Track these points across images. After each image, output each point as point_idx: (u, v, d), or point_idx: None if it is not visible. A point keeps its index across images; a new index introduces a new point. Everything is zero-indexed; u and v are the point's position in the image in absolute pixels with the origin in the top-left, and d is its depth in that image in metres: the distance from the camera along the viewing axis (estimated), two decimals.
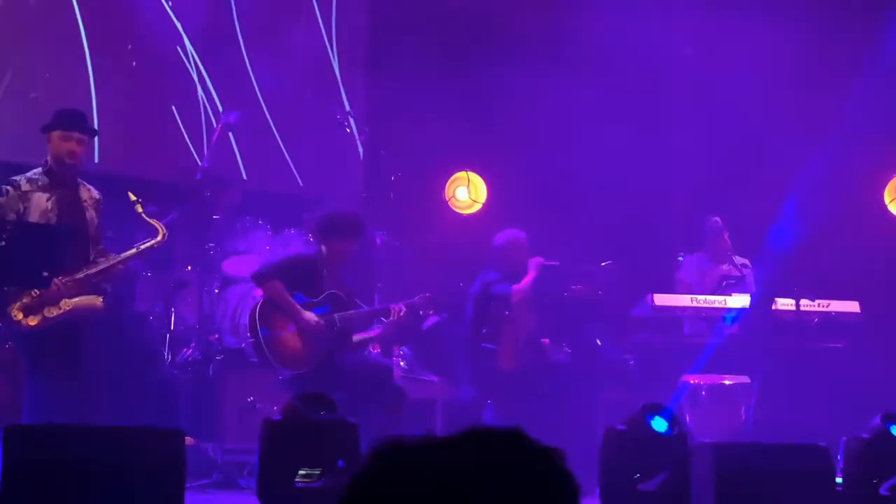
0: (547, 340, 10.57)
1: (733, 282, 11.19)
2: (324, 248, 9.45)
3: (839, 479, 7.90)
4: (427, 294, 9.72)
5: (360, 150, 12.39)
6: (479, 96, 12.13)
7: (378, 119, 12.34)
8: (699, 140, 13.00)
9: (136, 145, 11.43)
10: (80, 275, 8.10)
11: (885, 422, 7.98)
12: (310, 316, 9.21)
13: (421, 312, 9.69)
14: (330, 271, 9.43)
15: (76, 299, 8.06)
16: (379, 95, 12.42)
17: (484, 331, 10.37)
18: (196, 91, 12.01)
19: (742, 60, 12.45)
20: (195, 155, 11.76)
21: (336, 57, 12.82)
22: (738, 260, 11.38)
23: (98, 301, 8.16)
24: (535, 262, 10.46)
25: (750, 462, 7.71)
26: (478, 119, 12.16)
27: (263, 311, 9.21)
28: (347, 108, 12.26)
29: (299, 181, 12.46)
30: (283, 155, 12.40)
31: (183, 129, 11.87)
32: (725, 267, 11.37)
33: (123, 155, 11.21)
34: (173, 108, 11.85)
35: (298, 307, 9.23)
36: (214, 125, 11.58)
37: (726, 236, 11.44)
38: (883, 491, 7.74)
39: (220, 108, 11.80)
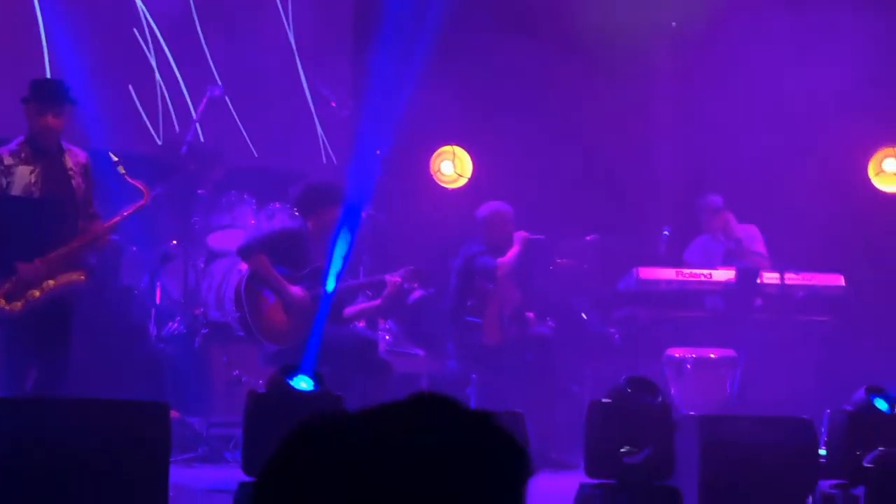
0: (532, 314, 10.58)
1: (739, 254, 11.19)
2: (309, 221, 9.44)
3: (823, 452, 7.92)
4: (411, 267, 9.74)
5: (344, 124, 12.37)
6: (464, 71, 12.10)
7: (362, 93, 12.30)
8: (685, 112, 12.99)
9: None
10: (64, 250, 7.98)
11: (868, 394, 8.01)
12: (295, 290, 9.21)
13: (405, 286, 9.70)
14: (315, 244, 9.42)
15: (58, 278, 7.96)
16: (363, 69, 12.38)
17: (468, 304, 10.37)
18: (169, 69, 11.96)
19: (728, 31, 12.43)
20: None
21: (321, 31, 12.78)
22: (744, 230, 11.34)
23: (80, 276, 8.06)
24: (519, 236, 10.45)
25: (734, 435, 7.73)
26: (463, 93, 12.14)
27: (249, 285, 9.22)
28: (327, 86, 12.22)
29: (285, 155, 12.43)
30: (268, 129, 12.36)
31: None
32: (728, 243, 11.36)
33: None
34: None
35: (284, 281, 9.23)
36: (198, 100, 11.55)
37: (728, 215, 11.40)
38: (866, 463, 7.77)
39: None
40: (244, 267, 9.49)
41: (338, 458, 1.61)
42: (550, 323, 10.79)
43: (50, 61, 11.06)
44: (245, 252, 9.35)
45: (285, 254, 9.30)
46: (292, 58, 12.48)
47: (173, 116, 11.86)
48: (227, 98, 11.30)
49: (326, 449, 1.63)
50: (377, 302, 9.74)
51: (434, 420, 1.69)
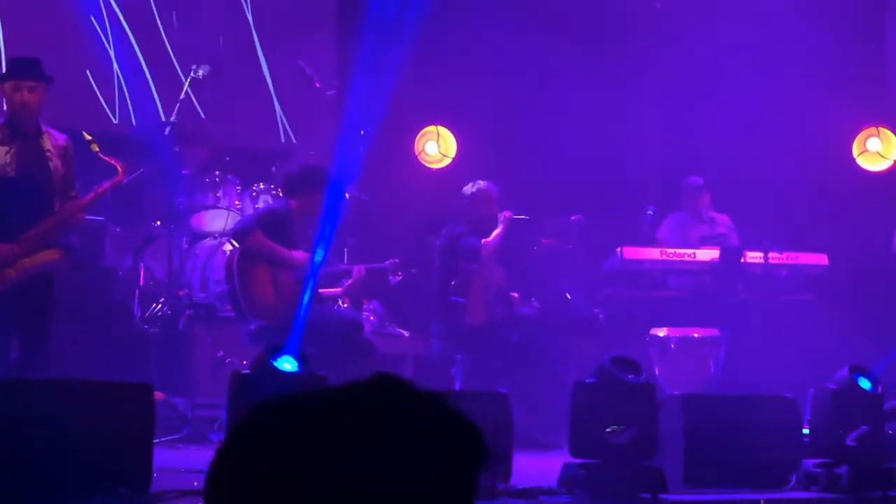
0: (516, 294, 10.57)
1: (714, 241, 11.21)
2: (293, 202, 9.43)
3: (806, 430, 7.95)
4: (396, 259, 9.74)
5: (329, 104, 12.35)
6: (448, 51, 12.09)
7: (347, 73, 12.28)
8: (670, 93, 13.00)
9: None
10: (38, 229, 7.89)
11: (851, 373, 8.04)
12: (298, 253, 9.21)
13: (390, 277, 9.72)
14: (300, 226, 9.42)
15: (34, 257, 7.90)
16: (348, 49, 12.36)
17: (452, 284, 10.36)
18: (158, 44, 11.95)
19: (711, 12, 12.44)
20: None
21: (306, 11, 12.76)
22: (718, 216, 11.40)
23: (55, 255, 7.98)
24: (503, 216, 10.45)
25: (718, 413, 7.77)
26: (447, 73, 12.13)
27: (242, 260, 9.20)
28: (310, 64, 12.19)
29: (270, 136, 12.42)
30: (252, 110, 12.35)
31: (142, 84, 11.81)
32: (706, 226, 11.40)
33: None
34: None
35: (285, 250, 9.22)
36: (182, 80, 11.53)
37: (706, 195, 11.47)
38: (849, 441, 7.80)
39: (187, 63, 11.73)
40: (231, 249, 9.49)
41: (286, 439, 1.60)
42: (535, 303, 10.79)
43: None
44: (241, 234, 9.36)
45: (274, 234, 9.30)
46: (250, 36, 12.45)
47: (128, 100, 11.83)
48: (209, 78, 11.25)
49: (275, 429, 1.61)
50: (338, 291, 9.73)
51: (389, 399, 1.67)
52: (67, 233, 8.20)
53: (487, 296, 10.40)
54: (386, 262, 9.74)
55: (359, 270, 9.57)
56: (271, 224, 9.33)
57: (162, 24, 11.98)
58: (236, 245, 9.58)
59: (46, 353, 7.94)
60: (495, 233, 10.38)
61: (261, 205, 10.74)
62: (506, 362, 10.04)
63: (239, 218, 10.42)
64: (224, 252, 10.28)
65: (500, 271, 10.52)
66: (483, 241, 10.33)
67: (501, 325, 10.29)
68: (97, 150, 8.29)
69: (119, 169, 8.30)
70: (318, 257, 9.02)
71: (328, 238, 8.95)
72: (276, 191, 10.43)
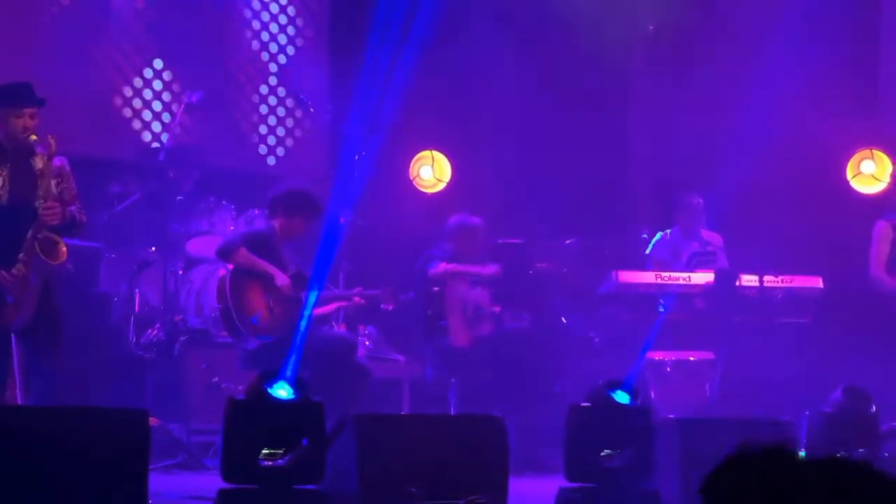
0: (499, 308, 10.55)
1: (704, 259, 11.22)
2: (276, 224, 9.45)
3: (803, 454, 7.94)
4: (388, 287, 9.72)
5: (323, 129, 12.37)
6: (443, 75, 12.11)
7: (342, 98, 12.30)
8: (663, 116, 13.02)
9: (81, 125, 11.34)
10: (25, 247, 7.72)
11: (846, 395, 8.04)
12: (283, 277, 9.21)
13: (381, 306, 9.71)
14: (283, 249, 9.43)
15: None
16: (342, 74, 12.39)
17: (428, 312, 10.38)
18: (151, 71, 11.97)
19: (704, 35, 12.47)
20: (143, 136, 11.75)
21: (298, 36, 12.79)
22: (709, 236, 11.41)
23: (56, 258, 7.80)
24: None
25: (714, 437, 7.74)
26: (442, 98, 12.15)
27: (233, 278, 9.19)
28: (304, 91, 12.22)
29: (263, 161, 12.44)
30: (247, 135, 12.37)
31: (132, 111, 11.83)
32: (697, 244, 11.40)
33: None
34: (124, 89, 11.80)
35: (272, 267, 9.22)
36: (175, 106, 11.56)
37: (702, 214, 11.48)
38: None
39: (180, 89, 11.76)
40: (224, 271, 9.48)
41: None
42: (525, 316, 10.79)
43: None
44: (225, 251, 9.34)
45: (259, 252, 9.29)
46: (245, 61, 12.48)
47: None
48: (203, 104, 11.26)
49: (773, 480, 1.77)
50: (331, 308, 9.72)
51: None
52: (57, 231, 7.93)
53: (467, 316, 10.40)
54: (378, 290, 9.73)
55: (356, 297, 9.59)
56: (255, 243, 9.35)
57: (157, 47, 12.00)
58: (224, 264, 9.55)
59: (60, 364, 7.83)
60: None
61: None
62: (500, 383, 10.03)
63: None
64: (219, 277, 10.28)
65: (479, 291, 10.55)
66: (442, 264, 10.33)
67: (491, 342, 10.29)
68: (35, 138, 8.00)
69: (51, 143, 8.01)
70: (313, 294, 9.04)
71: (324, 267, 8.96)
72: (263, 212, 10.38)
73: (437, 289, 10.35)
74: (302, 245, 9.70)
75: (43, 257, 7.64)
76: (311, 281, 9.27)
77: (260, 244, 9.34)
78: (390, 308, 9.88)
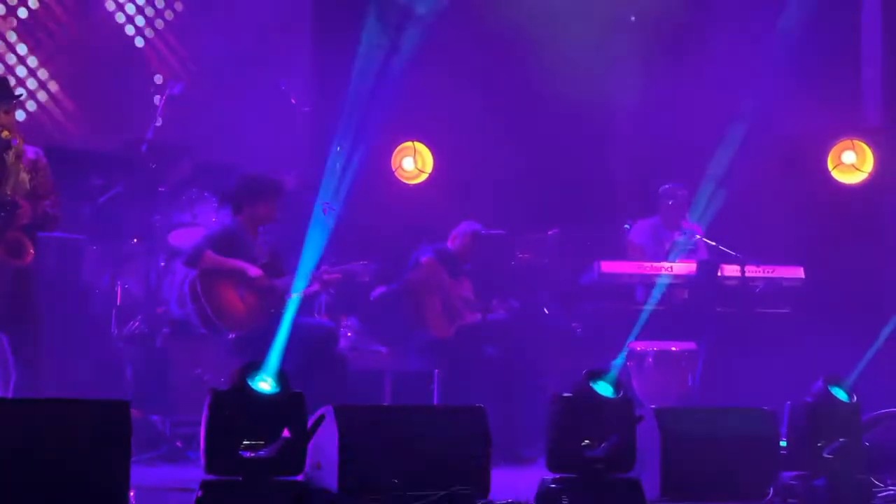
0: (517, 304, 10.69)
1: (684, 247, 11.24)
2: (239, 218, 9.47)
3: (784, 443, 7.96)
4: (365, 262, 9.76)
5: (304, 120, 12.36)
6: (425, 66, 12.10)
7: (323, 89, 12.30)
8: (646, 108, 13.03)
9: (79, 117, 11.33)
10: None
11: (827, 385, 8.05)
12: (254, 269, 9.25)
13: (357, 279, 9.74)
14: (253, 238, 9.45)
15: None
16: (323, 65, 12.38)
17: (407, 302, 10.52)
18: (135, 63, 11.95)
19: (685, 25, 12.48)
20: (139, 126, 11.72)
21: (280, 28, 12.77)
22: (690, 226, 11.43)
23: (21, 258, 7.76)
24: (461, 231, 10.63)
25: (696, 427, 7.77)
26: (424, 89, 12.14)
27: (203, 279, 9.24)
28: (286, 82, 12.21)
29: (245, 152, 12.41)
30: (228, 126, 12.34)
31: (120, 102, 11.82)
32: (678, 234, 11.42)
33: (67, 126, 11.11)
34: (116, 80, 11.78)
35: (240, 263, 9.27)
36: (157, 97, 11.55)
37: (685, 204, 11.50)
38: (827, 454, 7.81)
39: (161, 81, 11.74)
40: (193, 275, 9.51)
41: None
42: (514, 303, 10.84)
43: None
44: (192, 260, 9.39)
45: (225, 250, 9.33)
46: (225, 52, 12.46)
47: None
48: (184, 95, 11.25)
49: None
50: (314, 287, 9.73)
51: None
52: (29, 229, 7.87)
53: (449, 308, 10.48)
54: (358, 264, 9.76)
55: (334, 273, 9.61)
56: (220, 242, 9.38)
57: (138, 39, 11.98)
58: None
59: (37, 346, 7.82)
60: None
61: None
62: (482, 376, 10.05)
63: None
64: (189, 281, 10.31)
65: (461, 284, 10.63)
66: (424, 259, 10.47)
67: (472, 333, 10.33)
68: (7, 134, 7.94)
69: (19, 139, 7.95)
70: (299, 287, 9.05)
71: (312, 258, 8.97)
72: (223, 202, 10.29)
73: (417, 278, 10.44)
74: (282, 234, 9.72)
75: (8, 257, 7.61)
76: (294, 269, 9.28)
77: (226, 242, 9.39)
78: (367, 280, 9.93)
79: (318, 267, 9.46)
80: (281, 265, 9.54)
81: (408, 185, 12.81)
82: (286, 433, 6.28)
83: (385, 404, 10.34)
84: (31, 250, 7.70)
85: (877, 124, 12.89)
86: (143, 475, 7.64)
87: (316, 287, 9.61)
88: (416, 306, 10.54)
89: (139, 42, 12.09)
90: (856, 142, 12.71)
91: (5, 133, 7.71)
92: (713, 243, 11.29)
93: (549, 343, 10.91)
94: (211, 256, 9.29)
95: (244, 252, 9.38)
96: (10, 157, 7.77)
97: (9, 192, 7.66)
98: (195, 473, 6.66)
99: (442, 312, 10.53)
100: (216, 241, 9.43)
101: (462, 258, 10.77)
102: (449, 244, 10.82)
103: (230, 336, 9.21)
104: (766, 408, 7.98)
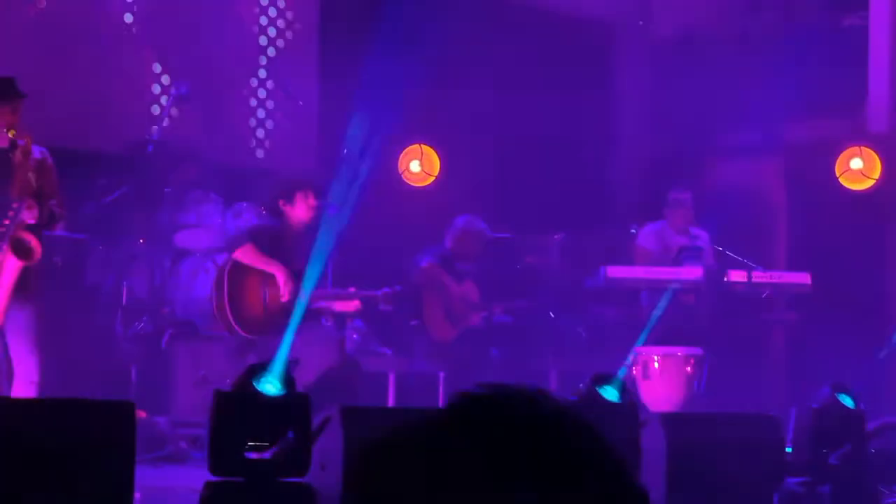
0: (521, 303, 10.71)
1: (692, 253, 11.23)
2: (283, 218, 9.42)
3: (789, 449, 7.95)
4: (388, 290, 9.71)
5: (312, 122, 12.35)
6: (433, 69, 12.10)
7: (330, 92, 12.29)
8: (653, 111, 13.02)
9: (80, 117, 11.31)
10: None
11: (833, 392, 8.04)
12: (287, 279, 9.18)
13: (380, 306, 9.72)
14: (293, 243, 9.40)
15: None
16: (331, 68, 12.37)
17: (409, 306, 10.55)
18: (141, 62, 11.93)
19: (695, 31, 12.47)
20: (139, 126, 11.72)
21: (287, 29, 12.77)
22: (696, 231, 11.42)
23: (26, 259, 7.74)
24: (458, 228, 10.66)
25: (701, 433, 7.76)
26: (432, 92, 12.13)
27: (233, 270, 9.18)
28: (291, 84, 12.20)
29: (252, 154, 12.42)
30: (235, 127, 12.34)
31: (126, 102, 11.80)
32: (685, 238, 11.41)
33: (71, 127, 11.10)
34: (115, 80, 11.76)
35: (275, 266, 9.19)
36: (163, 97, 11.53)
37: (691, 210, 11.49)
38: (833, 460, 7.80)
39: (168, 80, 11.73)
40: (218, 261, 9.48)
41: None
42: (522, 303, 10.86)
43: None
44: (232, 243, 9.33)
45: (268, 250, 9.27)
46: (231, 53, 12.45)
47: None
48: (191, 96, 11.24)
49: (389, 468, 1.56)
50: (330, 305, 9.73)
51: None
52: (35, 228, 7.86)
53: (451, 312, 10.51)
54: (379, 292, 9.72)
55: (355, 300, 9.59)
56: (262, 237, 9.32)
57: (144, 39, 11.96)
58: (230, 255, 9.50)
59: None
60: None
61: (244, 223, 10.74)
62: (487, 379, 10.06)
63: (222, 235, 10.40)
64: (206, 271, 10.26)
65: (464, 286, 10.65)
66: (425, 263, 10.50)
67: (475, 336, 10.34)
68: (13, 134, 7.91)
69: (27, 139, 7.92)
70: (307, 288, 9.02)
71: (319, 262, 8.95)
72: (261, 209, 10.38)
73: (418, 283, 10.47)
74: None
75: (15, 257, 7.60)
76: (306, 276, 9.27)
77: (267, 240, 9.30)
78: (389, 310, 9.92)
79: (344, 287, 9.48)
80: (302, 275, 9.49)
81: (414, 187, 12.80)
82: (291, 435, 6.27)
83: (390, 406, 10.34)
84: (39, 250, 7.69)
85: (884, 131, 12.87)
86: (148, 476, 7.64)
87: (342, 308, 9.61)
88: (418, 310, 10.56)
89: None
90: (863, 148, 12.69)
91: (12, 132, 7.70)
92: (720, 248, 11.29)
93: (555, 347, 10.90)
94: (249, 249, 9.22)
95: (282, 254, 9.31)
96: (17, 156, 7.76)
97: (16, 192, 7.65)
98: (200, 474, 6.66)
99: (444, 316, 10.54)
100: (258, 235, 9.33)
101: (461, 256, 10.74)
102: (446, 244, 10.86)
103: (241, 335, 9.16)
104: (771, 414, 7.97)
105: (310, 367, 8.62)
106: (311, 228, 9.51)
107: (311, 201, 9.40)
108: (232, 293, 9.16)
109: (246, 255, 9.20)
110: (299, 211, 9.38)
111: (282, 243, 9.34)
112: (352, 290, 9.62)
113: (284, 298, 9.15)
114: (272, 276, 9.20)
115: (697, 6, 12.54)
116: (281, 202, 9.41)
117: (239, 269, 9.21)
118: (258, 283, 9.21)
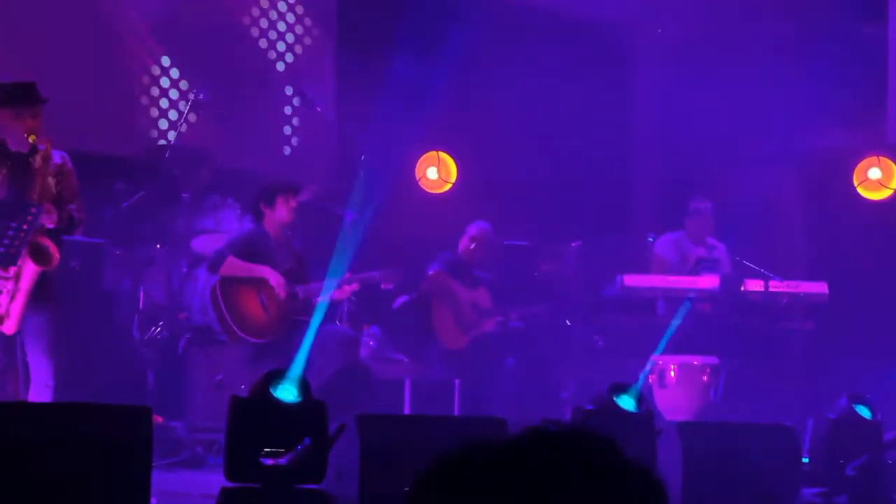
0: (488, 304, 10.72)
1: (710, 264, 11.21)
2: (263, 224, 9.54)
3: (806, 459, 7.93)
4: (388, 269, 9.78)
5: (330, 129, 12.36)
6: (450, 77, 12.10)
7: (348, 98, 12.30)
8: (671, 119, 13.00)
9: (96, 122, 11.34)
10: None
11: (851, 402, 8.03)
12: (276, 276, 9.30)
13: (381, 286, 9.77)
14: (278, 243, 9.50)
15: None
16: (349, 74, 12.38)
17: (418, 313, 10.59)
18: (160, 69, 11.96)
19: (712, 38, 12.45)
20: (156, 132, 11.75)
21: (306, 35, 12.78)
22: (714, 242, 11.40)
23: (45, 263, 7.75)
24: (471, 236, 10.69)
25: (717, 442, 7.74)
26: (449, 99, 12.14)
27: (223, 285, 9.29)
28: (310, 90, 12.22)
29: (269, 159, 12.43)
30: (252, 133, 12.35)
31: (144, 107, 11.82)
32: (702, 248, 11.40)
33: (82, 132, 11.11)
34: (135, 85, 11.80)
35: (262, 269, 9.33)
36: (181, 103, 11.55)
37: (711, 220, 11.48)
38: (849, 471, 7.78)
39: (187, 86, 11.75)
40: (214, 281, 9.54)
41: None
42: (539, 308, 10.86)
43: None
44: (214, 265, 9.46)
45: (251, 257, 9.40)
46: (250, 59, 12.46)
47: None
48: (209, 102, 11.26)
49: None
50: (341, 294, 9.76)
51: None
52: (53, 233, 7.86)
53: (461, 319, 10.53)
54: (376, 272, 9.79)
55: (354, 282, 9.63)
56: (242, 246, 9.46)
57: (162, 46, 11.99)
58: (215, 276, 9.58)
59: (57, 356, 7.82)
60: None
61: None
62: (503, 387, 10.07)
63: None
64: (210, 288, 10.33)
65: (477, 292, 10.66)
66: (432, 271, 10.56)
67: (487, 343, 10.36)
68: (34, 139, 7.90)
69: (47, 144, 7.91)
70: (326, 294, 9.08)
71: (339, 268, 9.00)
72: (247, 216, 10.39)
73: (426, 291, 10.52)
74: (306, 243, 9.73)
75: (34, 262, 7.60)
76: (320, 277, 9.30)
77: (248, 247, 9.45)
78: (391, 288, 9.97)
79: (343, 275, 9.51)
80: (307, 272, 9.57)
81: (431, 194, 12.80)
82: (307, 441, 6.27)
83: (406, 414, 10.34)
84: (57, 255, 7.70)
85: None
86: (164, 481, 7.64)
87: (337, 295, 9.63)
88: (427, 318, 10.58)
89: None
90: (881, 158, 12.67)
91: (32, 137, 7.71)
92: (737, 258, 11.28)
93: (571, 355, 10.89)
94: (233, 262, 9.35)
95: (267, 257, 9.42)
96: (37, 161, 7.76)
97: (35, 197, 7.66)
98: (216, 480, 6.66)
99: (453, 324, 10.56)
100: (238, 245, 9.50)
101: (473, 262, 10.76)
102: (458, 250, 10.90)
103: (251, 342, 9.24)
104: (788, 423, 7.95)
105: (322, 368, 8.65)
106: (295, 228, 9.64)
107: (292, 203, 9.55)
108: (230, 307, 9.27)
109: (230, 268, 9.35)
110: (280, 213, 9.54)
111: (263, 246, 9.48)
112: (347, 275, 9.64)
113: (281, 296, 9.26)
114: (263, 280, 9.33)
115: (718, 15, 12.51)
116: (262, 205, 9.59)
117: (229, 284, 9.33)
118: (252, 290, 9.33)
